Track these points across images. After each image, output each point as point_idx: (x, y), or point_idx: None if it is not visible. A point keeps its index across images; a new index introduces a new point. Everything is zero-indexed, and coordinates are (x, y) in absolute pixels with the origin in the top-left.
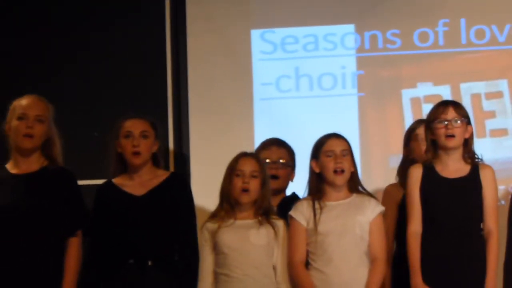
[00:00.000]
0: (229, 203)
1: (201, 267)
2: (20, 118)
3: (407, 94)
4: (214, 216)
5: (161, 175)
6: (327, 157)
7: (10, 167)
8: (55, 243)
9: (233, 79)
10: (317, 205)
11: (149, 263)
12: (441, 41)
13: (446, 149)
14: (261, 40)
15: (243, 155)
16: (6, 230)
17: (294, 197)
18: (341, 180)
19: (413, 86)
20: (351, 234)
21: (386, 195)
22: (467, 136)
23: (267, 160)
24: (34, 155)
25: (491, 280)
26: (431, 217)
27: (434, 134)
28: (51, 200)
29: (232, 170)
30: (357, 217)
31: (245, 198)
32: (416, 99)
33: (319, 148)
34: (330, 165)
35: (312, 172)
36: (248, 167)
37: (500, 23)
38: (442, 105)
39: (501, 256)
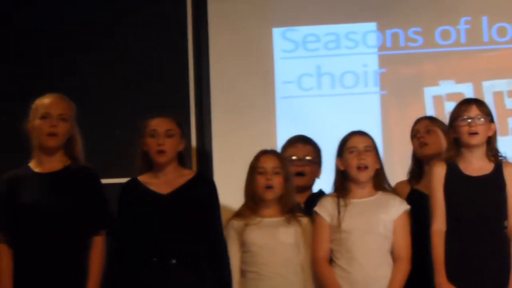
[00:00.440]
0: (253, 201)
1: None
2: (43, 117)
3: (429, 92)
4: (238, 214)
5: (187, 174)
6: (350, 153)
7: (33, 165)
8: (79, 242)
9: (255, 77)
10: (341, 202)
11: (173, 261)
12: (463, 39)
13: (469, 147)
14: (282, 39)
15: (263, 152)
16: (30, 229)
17: (321, 194)
18: (364, 176)
19: (435, 84)
20: (374, 233)
21: None
22: (490, 134)
23: (293, 157)
24: (57, 154)
25: None
26: (455, 215)
27: (457, 132)
28: (75, 199)
29: (254, 169)
30: (381, 216)
31: (269, 195)
32: (438, 97)
33: (343, 146)
34: (353, 161)
35: (337, 170)
36: (269, 164)
37: None
38: (465, 103)
39: None
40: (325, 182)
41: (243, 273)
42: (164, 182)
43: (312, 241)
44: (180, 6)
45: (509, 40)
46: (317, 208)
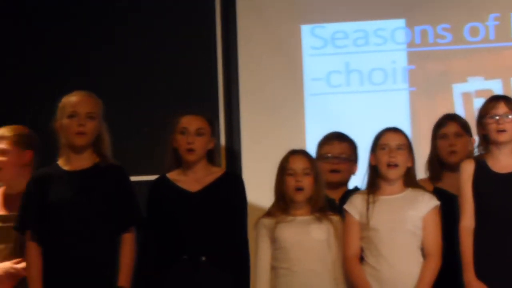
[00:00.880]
0: (284, 201)
1: (258, 263)
2: (71, 116)
3: (458, 89)
4: (269, 214)
5: (216, 172)
6: (382, 150)
7: (62, 164)
8: (109, 239)
9: (284, 74)
10: (370, 199)
11: (203, 258)
12: (491, 35)
13: (497, 144)
14: (311, 36)
15: (292, 153)
16: (60, 227)
17: (356, 191)
18: (393, 174)
19: (464, 80)
20: (402, 230)
21: None
22: None
23: (329, 155)
24: (86, 152)
25: None
26: (483, 212)
27: (485, 129)
28: (105, 196)
29: (283, 170)
30: (409, 212)
31: (300, 197)
32: (467, 93)
33: (376, 142)
34: (384, 158)
35: (369, 165)
36: (299, 165)
37: None
38: (493, 100)
39: None
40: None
41: (274, 270)
42: (193, 179)
43: (342, 239)
44: (209, 4)
45: None
46: (346, 206)
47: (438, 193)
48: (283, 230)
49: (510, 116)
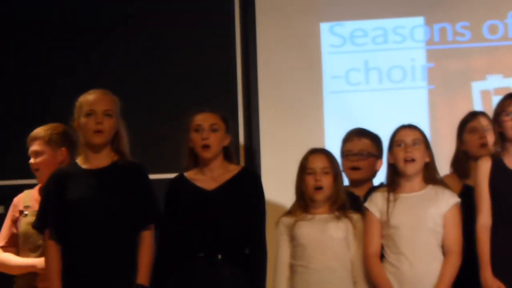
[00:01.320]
0: (304, 200)
1: (278, 261)
2: (88, 114)
3: (477, 87)
4: (290, 212)
5: (233, 170)
6: (398, 146)
7: (80, 162)
8: (128, 237)
9: (303, 72)
10: (391, 197)
11: (219, 256)
12: (511, 33)
13: None
14: (330, 34)
15: (312, 152)
16: (79, 225)
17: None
18: (411, 169)
19: (483, 78)
20: (423, 228)
21: None
22: None
23: (349, 152)
24: (104, 150)
25: None
26: (500, 210)
27: (501, 127)
28: (124, 194)
29: (303, 169)
30: (430, 210)
31: (319, 196)
32: (486, 91)
33: (391, 139)
34: (400, 154)
35: (388, 164)
36: (318, 164)
37: None
38: (509, 98)
39: None
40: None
41: (292, 267)
42: (210, 178)
43: (363, 237)
44: (228, 2)
45: None
46: (367, 204)
47: (467, 190)
48: (301, 227)
49: None
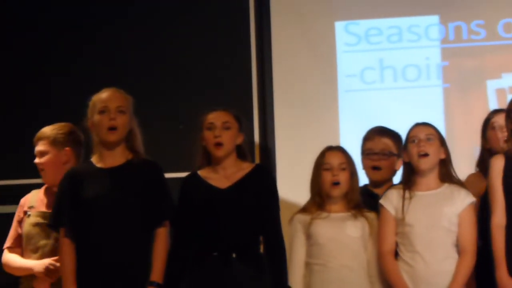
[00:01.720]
0: (320, 197)
1: (293, 258)
2: (101, 112)
3: (492, 85)
4: (304, 210)
5: (246, 168)
6: (411, 143)
7: (95, 161)
8: (143, 234)
9: (318, 71)
10: (406, 195)
11: (233, 255)
12: None
13: None
14: (345, 32)
15: (329, 148)
16: (94, 224)
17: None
18: (425, 163)
19: (498, 76)
20: (438, 226)
21: (468, 185)
22: None
23: (370, 151)
24: (118, 148)
25: None
26: None
27: None
28: (139, 192)
29: (319, 165)
30: (445, 209)
31: (336, 191)
32: (501, 90)
33: (406, 137)
34: (414, 150)
35: (403, 163)
36: (335, 160)
37: None
38: None
39: None
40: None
41: (308, 265)
42: (223, 176)
43: (377, 234)
44: (243, 1)
45: None
46: (382, 201)
47: None
48: (318, 226)
49: None
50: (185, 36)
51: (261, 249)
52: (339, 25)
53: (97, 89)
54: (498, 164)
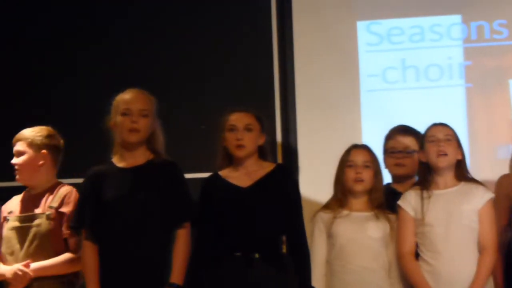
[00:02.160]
0: (343, 193)
1: (314, 257)
2: (124, 113)
3: None
4: (327, 207)
5: (267, 167)
6: (430, 142)
7: (116, 161)
8: (164, 235)
9: (340, 71)
10: (425, 195)
11: (256, 255)
12: None
13: None
14: (367, 32)
15: (354, 146)
16: (115, 224)
17: None
18: (443, 162)
19: None
20: (458, 224)
21: (499, 186)
22: None
23: (393, 149)
24: (139, 149)
25: None
26: None
27: None
28: (159, 192)
29: (344, 162)
30: (464, 206)
31: (359, 187)
32: None
33: (424, 138)
34: (433, 149)
35: (420, 162)
36: (360, 157)
37: None
38: None
39: None
40: None
41: (329, 265)
42: (245, 175)
43: (397, 235)
44: (265, 1)
45: None
46: (400, 202)
47: None
48: (339, 225)
49: None
50: (208, 37)
51: (284, 249)
52: (361, 25)
53: (118, 90)
54: None
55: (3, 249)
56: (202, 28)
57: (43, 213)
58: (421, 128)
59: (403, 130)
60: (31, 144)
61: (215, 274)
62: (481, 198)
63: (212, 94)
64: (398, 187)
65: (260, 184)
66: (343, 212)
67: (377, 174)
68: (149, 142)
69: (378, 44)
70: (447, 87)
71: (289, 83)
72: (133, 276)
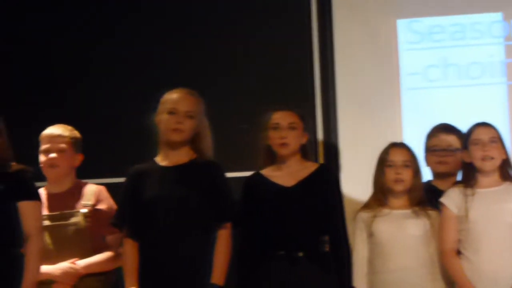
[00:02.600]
0: (382, 193)
1: (356, 256)
2: (170, 112)
3: None
4: (367, 206)
5: (310, 167)
6: (475, 145)
7: (159, 160)
8: (205, 235)
9: (380, 69)
10: (468, 192)
11: (300, 254)
12: None
13: None
14: (407, 30)
15: (393, 145)
16: (156, 222)
17: None
18: (489, 166)
19: None
20: (501, 222)
21: None
22: None
23: (436, 148)
24: (183, 148)
25: None
26: None
27: None
28: (200, 191)
29: (383, 161)
30: (508, 205)
31: (399, 187)
32: None
33: (467, 138)
34: (478, 153)
35: (463, 162)
36: (399, 157)
37: None
38: None
39: None
40: None
41: (371, 264)
42: (288, 174)
43: (439, 233)
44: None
45: None
46: (443, 199)
47: None
48: (379, 224)
49: None
50: (248, 36)
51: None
52: (402, 23)
53: (165, 90)
54: None
55: None
56: (241, 27)
57: (78, 211)
58: (463, 126)
59: (446, 128)
60: (73, 144)
61: (259, 273)
62: None
63: (253, 94)
64: (439, 184)
65: (304, 184)
66: (383, 211)
67: (417, 172)
68: (193, 142)
69: (419, 42)
70: (489, 85)
71: (330, 82)
72: (173, 275)
